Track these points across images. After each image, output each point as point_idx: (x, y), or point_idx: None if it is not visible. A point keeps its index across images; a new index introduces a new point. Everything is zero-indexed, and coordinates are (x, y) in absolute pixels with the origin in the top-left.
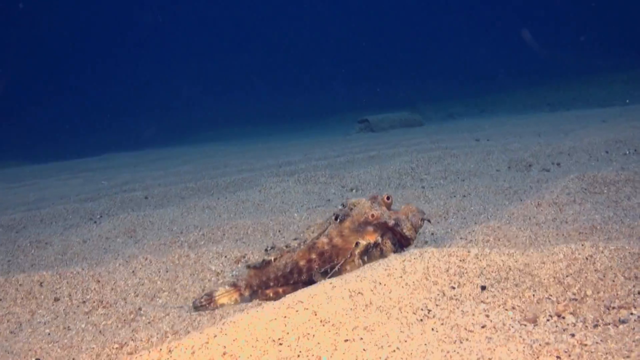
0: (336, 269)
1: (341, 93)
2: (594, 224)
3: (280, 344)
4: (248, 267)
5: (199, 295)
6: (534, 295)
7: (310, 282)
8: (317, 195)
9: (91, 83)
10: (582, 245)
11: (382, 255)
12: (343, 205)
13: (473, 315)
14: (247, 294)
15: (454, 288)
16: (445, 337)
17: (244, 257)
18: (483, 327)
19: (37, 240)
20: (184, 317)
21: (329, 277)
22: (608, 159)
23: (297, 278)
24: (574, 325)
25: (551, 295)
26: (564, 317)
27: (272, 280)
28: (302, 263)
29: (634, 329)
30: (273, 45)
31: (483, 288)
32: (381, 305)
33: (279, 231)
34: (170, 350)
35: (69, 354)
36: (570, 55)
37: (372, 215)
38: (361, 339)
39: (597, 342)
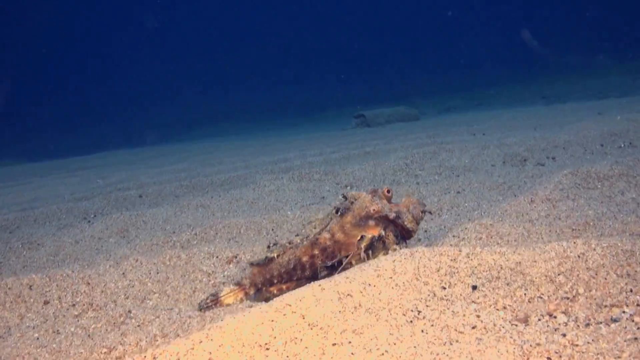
0: (344, 264)
1: (338, 88)
2: (587, 220)
3: (267, 349)
4: (251, 264)
5: (204, 296)
6: (525, 294)
7: (313, 277)
8: (311, 192)
9: (89, 80)
10: (574, 243)
11: (385, 248)
12: (344, 197)
13: (464, 315)
14: (252, 292)
15: (444, 288)
16: (435, 339)
17: (236, 257)
18: (473, 327)
19: (29, 242)
20: (174, 320)
21: (337, 273)
22: (603, 152)
23: (300, 274)
24: (566, 324)
25: (543, 294)
26: (555, 317)
27: (276, 277)
28: (305, 259)
29: (625, 327)
30: (271, 40)
31: (474, 288)
32: (370, 307)
33: (272, 230)
34: (154, 357)
35: (57, 359)
36: (568, 51)
37: (374, 209)
38: (349, 342)
39: (588, 342)
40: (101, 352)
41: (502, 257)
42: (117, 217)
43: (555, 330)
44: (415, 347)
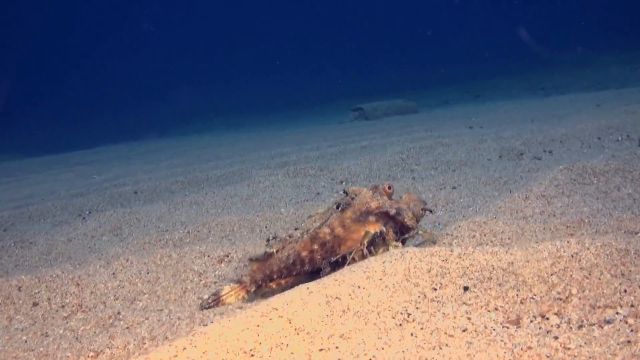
0: (348, 260)
1: (336, 80)
2: (582, 217)
3: (252, 355)
4: (251, 260)
5: (206, 296)
6: (517, 295)
7: (312, 272)
8: (306, 188)
9: (86, 74)
10: (568, 242)
11: (385, 244)
12: (345, 193)
13: (454, 318)
14: (252, 289)
15: (435, 289)
16: (424, 343)
17: (227, 256)
18: (464, 330)
19: (21, 240)
20: (163, 322)
21: (341, 268)
22: (600, 146)
23: (299, 269)
24: (558, 326)
25: (535, 295)
26: (547, 318)
27: (276, 273)
28: (304, 254)
29: (618, 330)
30: (269, 33)
31: (465, 289)
32: (359, 310)
33: (266, 227)
34: None
35: None
36: (566, 47)
37: (374, 205)
38: (337, 347)
39: (580, 345)
40: (88, 356)
41: (494, 257)
42: (111, 215)
43: (547, 332)
44: (403, 351)
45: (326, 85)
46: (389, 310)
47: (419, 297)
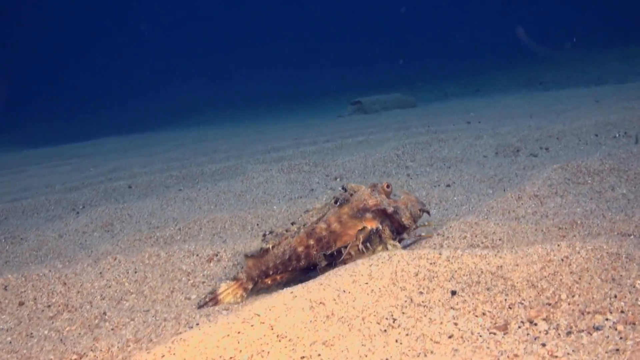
0: (344, 254)
1: (337, 74)
2: (575, 218)
3: None
4: (246, 256)
5: (203, 294)
6: (505, 300)
7: (308, 268)
8: (300, 184)
9: (85, 66)
10: (558, 245)
11: (381, 241)
12: (344, 189)
13: (441, 323)
14: (250, 286)
15: (422, 293)
16: (409, 350)
17: (217, 255)
18: (450, 337)
19: (12, 236)
20: (149, 323)
21: (336, 263)
22: (597, 143)
23: (295, 265)
24: (546, 333)
25: (524, 300)
26: (536, 324)
27: (272, 269)
28: (300, 249)
29: (607, 337)
30: (271, 27)
31: (453, 293)
32: (343, 315)
33: (257, 225)
34: None
35: None
36: (565, 44)
37: (372, 202)
38: (319, 355)
39: (568, 353)
40: (71, 359)
41: (483, 261)
42: (103, 210)
43: (535, 339)
44: (387, 359)
45: (327, 78)
46: (374, 316)
47: (406, 301)
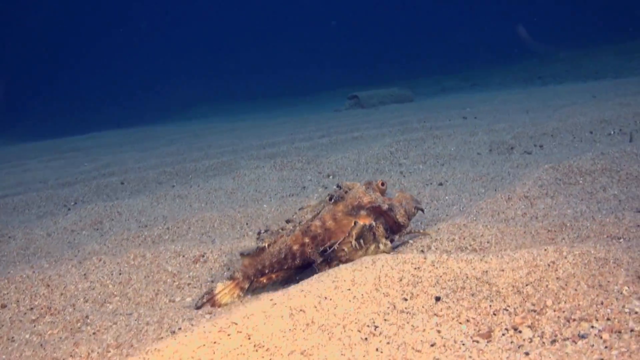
0: (335, 247)
1: (336, 69)
2: (565, 220)
3: None
4: (242, 255)
5: (200, 294)
6: (490, 306)
7: (303, 266)
8: (292, 182)
9: (84, 61)
10: (545, 250)
11: (375, 239)
12: (339, 187)
13: (423, 331)
14: (246, 285)
15: (406, 300)
16: (390, 359)
17: (203, 256)
18: (432, 345)
19: (0, 234)
20: (131, 327)
21: (329, 258)
22: (591, 140)
23: (290, 263)
24: (530, 340)
25: (509, 306)
26: (520, 331)
27: (267, 268)
28: (295, 248)
29: (592, 345)
30: (269, 23)
31: (437, 299)
32: (324, 323)
33: (247, 224)
34: None
35: None
36: (564, 41)
37: (367, 200)
38: None
39: None
40: None
41: (468, 266)
42: (93, 208)
43: (519, 347)
44: None
45: (325, 73)
46: (356, 323)
47: (388, 308)
